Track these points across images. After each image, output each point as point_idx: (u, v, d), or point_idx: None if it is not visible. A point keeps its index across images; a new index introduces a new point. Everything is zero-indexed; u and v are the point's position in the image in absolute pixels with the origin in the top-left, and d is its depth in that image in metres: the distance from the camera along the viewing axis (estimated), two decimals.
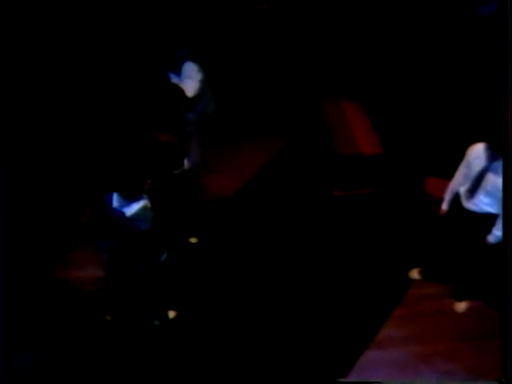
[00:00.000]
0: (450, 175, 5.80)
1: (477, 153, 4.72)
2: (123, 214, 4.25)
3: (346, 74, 7.18)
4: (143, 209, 4.28)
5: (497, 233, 4.71)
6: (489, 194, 4.68)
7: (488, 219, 4.75)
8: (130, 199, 4.24)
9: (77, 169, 6.38)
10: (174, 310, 5.15)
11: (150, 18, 6.93)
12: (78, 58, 6.82)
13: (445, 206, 5.08)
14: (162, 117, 4.97)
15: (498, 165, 4.53)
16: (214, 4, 7.17)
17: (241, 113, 7.23)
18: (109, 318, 5.05)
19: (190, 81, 5.46)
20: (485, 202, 4.73)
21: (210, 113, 5.82)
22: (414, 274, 5.56)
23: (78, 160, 6.46)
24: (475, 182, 4.71)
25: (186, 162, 5.22)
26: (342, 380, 4.66)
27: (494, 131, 4.46)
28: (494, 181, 4.58)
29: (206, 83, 5.63)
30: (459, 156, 6.17)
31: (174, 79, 5.50)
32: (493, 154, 4.56)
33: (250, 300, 5.32)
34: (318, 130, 6.69)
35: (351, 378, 4.77)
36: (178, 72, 5.52)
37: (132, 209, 4.24)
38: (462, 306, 5.29)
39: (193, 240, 5.80)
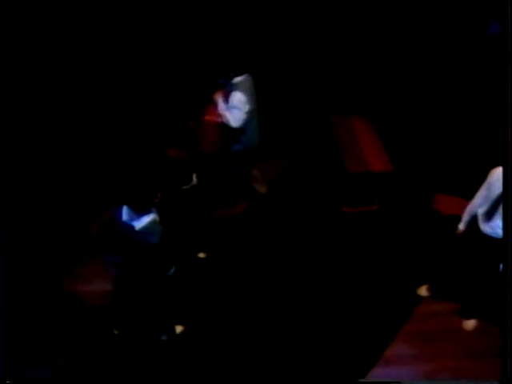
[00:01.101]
0: (459, 192, 5.83)
1: (498, 175, 4.63)
2: (133, 227, 4.26)
3: (355, 90, 7.20)
4: (153, 222, 4.29)
5: None
6: None
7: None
8: (139, 213, 4.26)
9: (86, 182, 6.41)
10: (181, 324, 5.15)
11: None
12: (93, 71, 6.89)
13: (462, 227, 5.01)
14: (172, 132, 5.01)
15: None
16: (226, 22, 7.23)
17: None
18: (116, 332, 5.05)
19: (237, 111, 5.42)
20: (501, 227, 4.64)
21: (255, 145, 5.83)
22: (423, 291, 5.53)
23: (87, 173, 6.49)
24: (493, 205, 4.66)
25: (194, 178, 5.25)
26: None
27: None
28: None
29: (254, 115, 5.64)
30: (469, 173, 6.20)
31: (222, 106, 5.49)
32: None
33: (258, 315, 5.31)
34: (328, 147, 6.71)
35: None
36: (227, 100, 5.50)
37: (142, 222, 4.26)
38: (470, 324, 5.25)
39: (201, 255, 5.81)
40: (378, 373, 4.89)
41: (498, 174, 4.65)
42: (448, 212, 5.95)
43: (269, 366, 4.91)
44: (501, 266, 4.64)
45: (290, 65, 7.21)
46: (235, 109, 5.41)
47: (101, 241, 4.58)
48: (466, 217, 4.97)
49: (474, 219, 4.89)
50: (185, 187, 5.18)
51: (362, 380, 4.65)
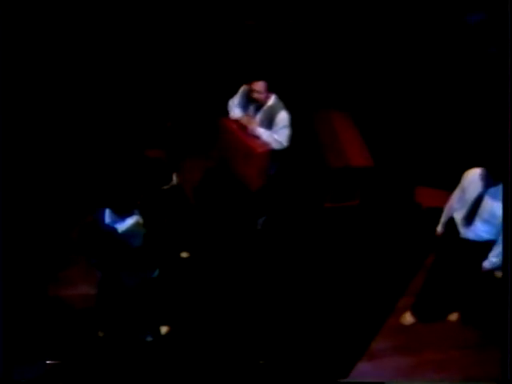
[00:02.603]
0: (440, 185, 5.88)
1: (472, 178, 4.55)
2: (116, 230, 4.25)
3: (335, 86, 7.21)
4: (136, 225, 4.28)
5: (493, 259, 4.58)
6: (486, 221, 4.51)
7: (486, 247, 4.61)
8: (122, 215, 4.25)
9: (68, 186, 6.37)
10: (166, 325, 5.14)
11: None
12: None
13: (440, 229, 4.95)
14: (150, 133, 4.99)
15: (496, 191, 4.39)
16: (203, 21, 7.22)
17: None
18: (101, 334, 5.04)
19: (286, 130, 5.31)
20: (483, 230, 4.57)
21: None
22: (406, 318, 5.37)
23: (69, 177, 6.45)
24: (471, 209, 4.55)
25: (174, 178, 5.23)
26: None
27: (492, 156, 4.33)
28: (492, 208, 4.43)
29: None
30: (449, 165, 6.25)
31: (264, 133, 5.33)
32: (489, 180, 4.41)
33: (243, 313, 5.32)
34: (309, 143, 6.72)
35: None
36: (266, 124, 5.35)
37: (124, 225, 4.24)
38: (454, 316, 5.29)
39: (184, 255, 5.81)
40: (363, 367, 4.93)
41: (472, 176, 4.56)
42: (429, 204, 6.02)
43: (253, 362, 4.93)
44: (484, 262, 4.62)
45: (269, 63, 7.20)
46: (284, 128, 5.30)
47: (82, 243, 4.55)
48: (443, 219, 4.91)
49: (452, 225, 4.79)
50: (165, 187, 5.17)
51: (345, 380, 4.64)
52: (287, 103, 5.38)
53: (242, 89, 5.47)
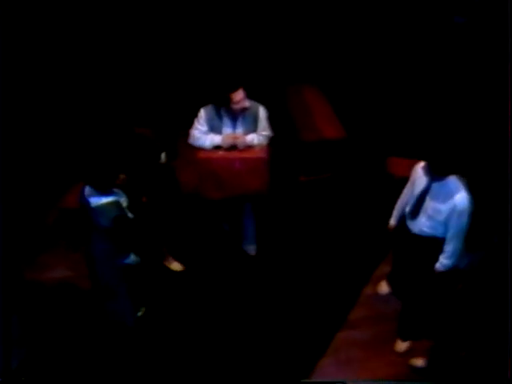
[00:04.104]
0: (412, 155, 5.91)
1: (420, 172, 4.41)
2: (89, 203, 4.25)
3: (305, 59, 7.20)
4: (110, 204, 4.25)
5: (444, 261, 4.43)
6: (430, 217, 4.38)
7: (434, 243, 4.44)
8: (99, 191, 4.22)
9: (42, 170, 6.30)
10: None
11: None
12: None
13: (392, 221, 4.81)
14: (140, 111, 4.90)
15: (440, 186, 4.26)
16: None
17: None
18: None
19: (267, 121, 5.08)
20: (427, 225, 4.43)
21: None
22: (382, 287, 5.39)
23: (44, 161, 6.37)
24: (416, 203, 4.43)
25: (162, 157, 5.14)
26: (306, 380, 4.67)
27: (433, 150, 4.19)
28: (434, 204, 4.32)
29: None
30: (421, 135, 6.31)
31: (253, 137, 5.04)
32: (433, 175, 4.26)
33: (223, 288, 5.37)
34: (281, 118, 6.71)
35: (327, 359, 4.83)
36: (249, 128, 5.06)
37: (98, 201, 4.23)
38: None
39: (176, 268, 5.67)
40: (343, 336, 5.00)
41: (419, 169, 4.42)
42: (401, 174, 6.06)
43: (232, 339, 4.98)
44: (436, 265, 4.47)
45: (238, 37, 7.16)
46: (267, 120, 5.07)
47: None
48: (395, 212, 4.78)
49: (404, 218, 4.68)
50: (152, 165, 5.06)
51: (308, 380, 4.66)
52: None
53: (204, 113, 4.99)
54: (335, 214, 6.16)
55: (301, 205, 6.22)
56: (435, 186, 4.29)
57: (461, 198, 4.21)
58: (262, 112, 5.05)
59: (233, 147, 5.01)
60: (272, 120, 5.06)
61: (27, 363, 4.75)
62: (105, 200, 4.23)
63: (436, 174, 4.22)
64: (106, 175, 4.20)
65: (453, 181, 4.25)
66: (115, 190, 4.33)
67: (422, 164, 4.39)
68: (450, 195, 4.24)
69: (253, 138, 5.04)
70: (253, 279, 5.46)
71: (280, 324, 5.09)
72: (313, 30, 7.15)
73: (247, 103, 4.92)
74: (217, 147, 5.02)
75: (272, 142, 5.18)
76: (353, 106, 6.89)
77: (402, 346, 4.92)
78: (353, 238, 5.87)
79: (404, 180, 5.42)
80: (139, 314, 5.08)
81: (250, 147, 5.04)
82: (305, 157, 6.44)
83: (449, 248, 4.38)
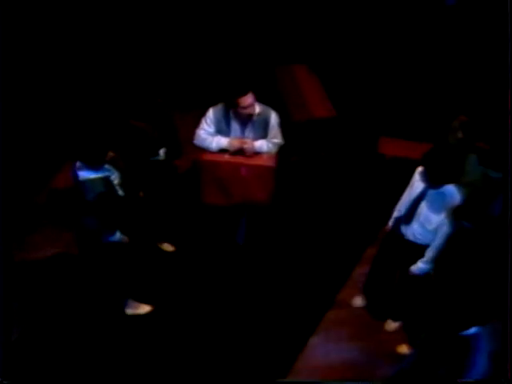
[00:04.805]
0: (403, 135, 5.93)
1: (419, 176, 4.24)
2: (78, 176, 4.26)
3: (295, 39, 7.17)
4: (96, 179, 4.24)
5: (421, 265, 4.33)
6: (422, 225, 4.26)
7: (420, 250, 4.34)
8: (89, 166, 4.22)
9: (33, 150, 6.26)
10: (149, 304, 5.07)
11: None
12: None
13: (390, 223, 4.62)
14: (139, 105, 4.83)
15: (435, 195, 4.12)
16: None
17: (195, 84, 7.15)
18: None
19: (279, 128, 4.87)
20: (419, 233, 4.30)
21: None
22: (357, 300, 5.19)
23: (34, 141, 6.33)
24: (410, 208, 4.27)
25: (161, 152, 5.05)
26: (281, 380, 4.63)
27: (431, 156, 4.01)
28: (426, 212, 4.18)
29: None
30: (413, 115, 6.31)
31: (261, 144, 4.82)
32: (428, 181, 4.10)
33: (213, 272, 5.35)
34: (272, 98, 6.68)
35: (317, 338, 4.86)
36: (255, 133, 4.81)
37: (87, 175, 4.23)
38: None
39: (168, 248, 5.61)
40: (332, 315, 5.04)
41: (418, 173, 4.26)
42: (392, 154, 6.08)
43: (225, 321, 4.99)
44: (412, 267, 4.39)
45: (229, 18, 7.12)
46: (278, 127, 4.85)
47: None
48: (394, 214, 4.57)
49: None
50: (150, 159, 5.02)
51: (283, 380, 4.61)
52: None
53: (212, 113, 4.77)
54: (326, 194, 6.16)
55: (292, 185, 6.21)
56: (431, 193, 4.14)
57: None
58: (274, 118, 4.81)
59: (240, 152, 4.77)
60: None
61: (20, 343, 4.75)
62: (93, 175, 4.24)
63: (432, 182, 4.06)
64: (95, 151, 4.19)
65: (450, 190, 4.08)
66: (107, 166, 4.32)
67: (421, 168, 4.19)
68: (444, 204, 4.09)
69: (262, 145, 4.81)
70: (243, 262, 5.43)
71: (270, 305, 5.11)
72: (303, 9, 7.11)
73: (257, 109, 4.70)
74: (223, 150, 4.79)
75: (281, 150, 4.98)
76: (344, 85, 6.87)
77: (392, 325, 4.94)
78: (343, 218, 5.88)
79: (395, 160, 5.46)
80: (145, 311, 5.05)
81: (257, 154, 4.80)
82: (296, 137, 6.43)
83: (430, 254, 4.27)
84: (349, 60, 7.03)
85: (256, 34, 7.13)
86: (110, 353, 4.72)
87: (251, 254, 5.43)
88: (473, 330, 3.50)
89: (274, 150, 4.87)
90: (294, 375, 4.57)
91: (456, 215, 4.12)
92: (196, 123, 4.87)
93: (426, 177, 4.07)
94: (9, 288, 4.20)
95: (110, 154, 4.33)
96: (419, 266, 4.34)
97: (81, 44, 6.74)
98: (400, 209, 4.49)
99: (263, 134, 4.81)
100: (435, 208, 4.13)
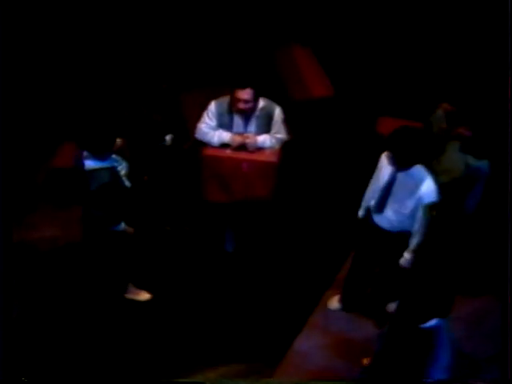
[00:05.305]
0: (402, 115, 5.90)
1: (385, 160, 4.09)
2: (83, 165, 4.22)
3: (294, 18, 7.09)
4: (101, 169, 4.21)
5: (408, 256, 4.17)
6: (397, 211, 4.13)
7: (402, 239, 4.18)
8: (96, 157, 4.18)
9: (31, 128, 6.21)
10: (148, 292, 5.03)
11: None
12: None
13: (360, 213, 4.48)
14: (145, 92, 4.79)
15: (404, 177, 4.01)
16: None
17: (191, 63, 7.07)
18: None
19: (283, 124, 4.83)
20: (395, 220, 4.16)
21: None
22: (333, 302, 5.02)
23: (33, 118, 6.26)
24: (382, 196, 4.15)
25: (168, 138, 5.01)
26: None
27: (396, 138, 3.91)
28: (399, 196, 4.06)
29: None
30: (411, 95, 6.28)
31: (264, 140, 4.77)
32: (397, 165, 3.97)
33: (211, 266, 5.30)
34: (271, 78, 6.64)
35: (317, 314, 4.89)
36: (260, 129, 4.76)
37: (92, 165, 4.20)
38: None
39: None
40: (332, 293, 5.03)
41: (385, 158, 4.11)
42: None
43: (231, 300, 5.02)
44: (400, 260, 4.23)
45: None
46: (282, 123, 4.80)
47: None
48: (364, 203, 4.45)
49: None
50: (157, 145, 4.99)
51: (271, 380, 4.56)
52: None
53: (214, 106, 4.73)
54: (322, 174, 6.13)
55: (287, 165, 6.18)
56: (400, 176, 4.02)
57: (427, 189, 3.96)
58: (278, 113, 4.77)
59: (242, 147, 4.73)
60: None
61: (17, 324, 4.74)
62: (99, 165, 4.20)
63: (400, 166, 3.95)
64: (101, 140, 4.15)
65: (418, 170, 4.00)
66: (114, 156, 4.28)
67: (386, 152, 4.07)
68: (415, 186, 3.98)
69: (265, 140, 4.77)
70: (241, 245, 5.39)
71: (271, 282, 5.13)
72: None
73: (261, 104, 4.66)
74: (225, 145, 4.75)
75: (285, 146, 4.91)
76: (343, 65, 6.82)
77: (392, 305, 4.92)
78: (341, 198, 5.86)
79: None
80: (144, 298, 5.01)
81: (260, 149, 4.75)
82: (294, 116, 6.39)
83: (414, 242, 4.11)
84: (347, 40, 6.96)
85: (255, 13, 7.05)
86: (106, 334, 4.71)
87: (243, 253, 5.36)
88: (434, 322, 3.50)
89: (277, 145, 4.82)
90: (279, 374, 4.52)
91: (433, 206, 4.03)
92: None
93: (393, 160, 3.97)
94: (9, 268, 4.19)
95: (118, 143, 4.28)
96: (407, 257, 4.19)
97: (82, 28, 6.64)
98: (369, 197, 4.36)
99: (266, 128, 4.77)
100: (408, 191, 4.02)
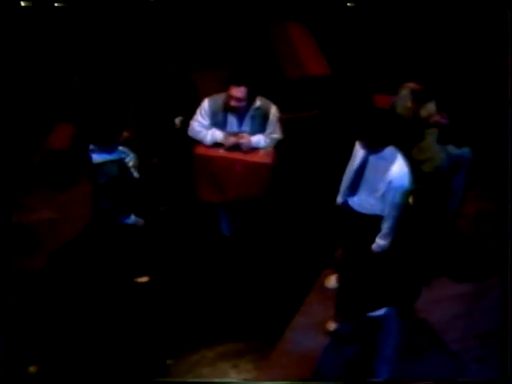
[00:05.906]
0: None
1: (358, 144, 4.10)
2: (91, 159, 4.21)
3: None
4: (109, 162, 4.22)
5: (380, 242, 4.18)
6: (369, 194, 4.13)
7: (374, 222, 4.17)
8: (103, 148, 4.18)
9: (27, 110, 6.18)
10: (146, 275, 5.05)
11: None
12: None
13: (339, 199, 4.42)
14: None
15: (375, 160, 4.00)
16: None
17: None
18: None
19: (278, 123, 4.78)
20: (367, 202, 4.16)
21: None
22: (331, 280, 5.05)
23: (31, 100, 6.23)
24: (354, 179, 4.14)
25: (177, 121, 4.99)
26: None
27: (365, 120, 3.98)
28: (372, 179, 4.05)
29: None
30: (408, 72, 6.23)
31: (259, 140, 4.73)
32: (368, 147, 3.98)
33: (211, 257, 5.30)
34: (266, 55, 6.61)
35: (314, 295, 4.91)
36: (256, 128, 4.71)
37: (100, 158, 4.19)
38: None
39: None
40: (329, 273, 5.07)
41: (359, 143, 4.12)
42: None
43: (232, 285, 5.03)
44: (372, 246, 4.23)
45: None
46: (277, 123, 4.75)
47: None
48: (341, 188, 4.40)
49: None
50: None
51: (251, 380, 4.54)
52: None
53: (208, 104, 4.65)
54: (320, 150, 6.13)
55: (286, 143, 6.17)
56: (372, 159, 4.02)
57: (397, 171, 3.94)
58: (274, 112, 4.71)
59: (236, 147, 4.66)
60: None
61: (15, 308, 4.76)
62: (107, 158, 4.19)
63: (369, 147, 3.95)
64: (108, 132, 4.15)
65: (389, 152, 3.98)
66: (121, 148, 4.26)
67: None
68: (386, 169, 3.96)
69: (259, 140, 4.70)
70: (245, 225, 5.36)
71: (269, 261, 5.16)
72: None
73: (257, 103, 4.61)
74: (218, 144, 4.67)
75: (280, 146, 4.84)
76: (339, 42, 6.79)
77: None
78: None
79: None
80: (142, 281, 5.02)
81: (254, 150, 4.69)
82: (290, 94, 6.37)
83: (386, 226, 4.11)
84: (343, 16, 6.91)
85: None
86: (104, 316, 4.74)
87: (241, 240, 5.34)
88: (382, 311, 3.50)
89: (271, 145, 4.76)
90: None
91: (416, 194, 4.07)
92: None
93: (363, 143, 3.98)
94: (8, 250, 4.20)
95: (125, 134, 4.26)
96: (379, 243, 4.20)
97: (86, 14, 6.58)
98: (345, 182, 4.34)
99: (261, 128, 4.70)
100: (379, 174, 4.01)
